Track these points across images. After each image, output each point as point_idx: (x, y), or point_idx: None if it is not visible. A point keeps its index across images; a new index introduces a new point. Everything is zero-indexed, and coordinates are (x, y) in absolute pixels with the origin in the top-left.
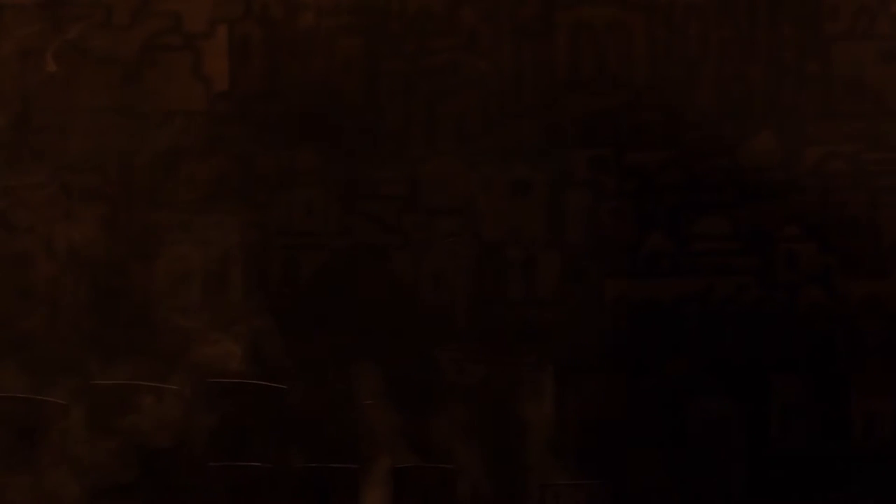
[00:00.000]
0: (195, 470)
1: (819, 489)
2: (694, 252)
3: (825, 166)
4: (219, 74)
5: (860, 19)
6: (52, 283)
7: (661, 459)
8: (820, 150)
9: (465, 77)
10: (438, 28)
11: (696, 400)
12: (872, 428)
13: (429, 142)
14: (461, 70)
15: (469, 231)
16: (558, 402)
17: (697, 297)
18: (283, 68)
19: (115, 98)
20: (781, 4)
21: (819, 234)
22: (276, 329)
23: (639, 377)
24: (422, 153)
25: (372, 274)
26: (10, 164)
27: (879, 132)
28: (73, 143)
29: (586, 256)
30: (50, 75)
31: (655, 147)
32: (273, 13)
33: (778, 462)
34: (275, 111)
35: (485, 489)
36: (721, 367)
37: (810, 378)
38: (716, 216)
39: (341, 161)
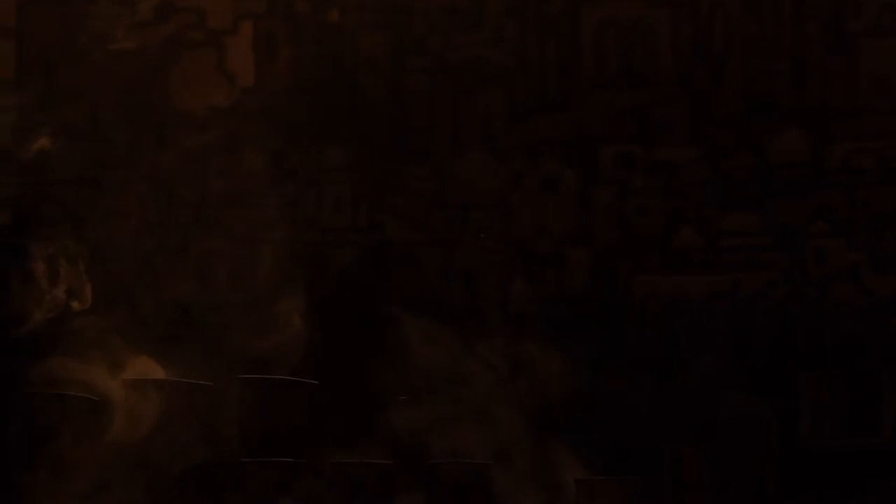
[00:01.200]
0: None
1: (849, 484)
2: (723, 248)
3: (852, 163)
4: (244, 70)
5: (884, 16)
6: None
7: (693, 455)
8: (847, 146)
9: (490, 73)
10: (464, 24)
11: (728, 396)
12: None
13: (455, 138)
14: (487, 66)
15: (499, 227)
16: (589, 398)
17: (726, 293)
18: (309, 64)
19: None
20: (806, 2)
21: (847, 230)
22: (307, 324)
23: (670, 373)
24: (449, 150)
25: (401, 270)
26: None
27: None
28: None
29: (615, 252)
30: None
31: (682, 144)
32: (298, 9)
33: (808, 457)
34: (301, 107)
35: (519, 484)
36: (751, 364)
37: (839, 374)
38: (745, 212)
39: (369, 157)
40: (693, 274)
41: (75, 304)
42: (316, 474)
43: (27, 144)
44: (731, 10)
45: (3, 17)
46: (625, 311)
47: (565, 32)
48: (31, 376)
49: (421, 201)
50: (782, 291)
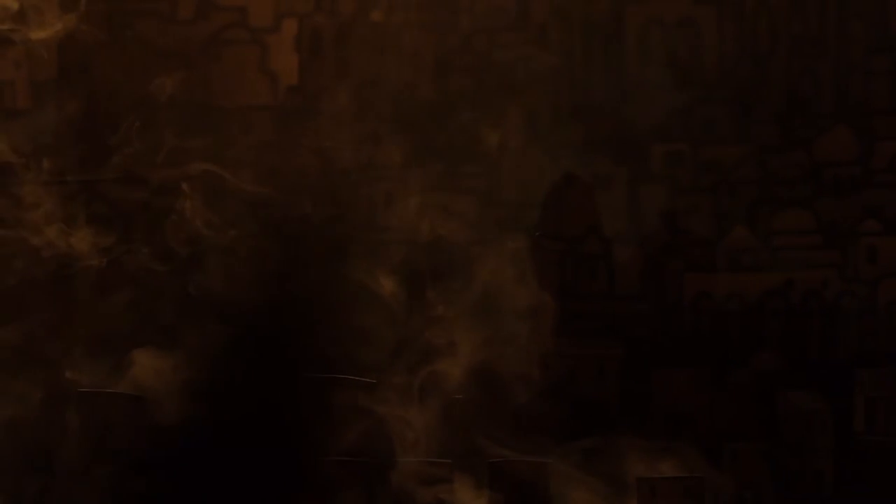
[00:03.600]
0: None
1: None
2: (775, 247)
3: None
4: (287, 69)
5: None
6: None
7: (751, 452)
8: (893, 145)
9: (535, 72)
10: (509, 23)
11: (785, 394)
12: None
13: (501, 137)
14: (532, 65)
15: (550, 225)
16: (647, 397)
17: (779, 291)
18: (353, 63)
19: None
20: (850, 1)
21: None
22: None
23: (726, 371)
24: (495, 148)
25: (453, 268)
26: None
27: None
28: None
29: (666, 251)
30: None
31: (728, 142)
32: (343, 8)
33: (863, 453)
34: (347, 106)
35: (580, 482)
36: (805, 362)
37: (893, 370)
38: (797, 211)
39: (419, 156)
40: (745, 272)
41: None
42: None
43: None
44: (776, 10)
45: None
46: (678, 310)
47: (610, 32)
48: None
49: (472, 199)
50: (835, 289)
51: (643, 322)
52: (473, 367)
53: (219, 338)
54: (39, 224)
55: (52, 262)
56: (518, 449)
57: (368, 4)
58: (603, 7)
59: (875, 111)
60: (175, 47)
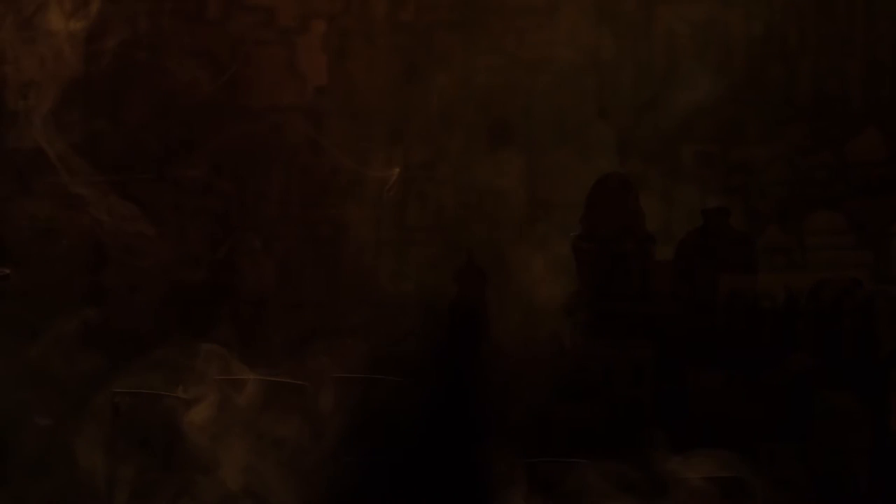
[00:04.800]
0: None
1: None
2: (807, 247)
3: None
4: (315, 69)
5: None
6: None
7: (786, 454)
8: None
9: (563, 72)
10: (537, 22)
11: (820, 394)
12: None
13: (529, 137)
14: (560, 66)
15: (585, 225)
16: (680, 396)
17: (811, 291)
18: (382, 63)
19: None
20: (878, 0)
21: None
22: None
23: (759, 372)
24: (526, 147)
25: (489, 269)
26: None
27: None
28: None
29: (699, 251)
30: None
31: (758, 143)
32: (372, 8)
33: None
34: (375, 106)
35: (613, 483)
36: (840, 362)
37: None
38: (827, 211)
39: (449, 157)
40: (778, 272)
41: None
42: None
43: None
44: (804, 10)
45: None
46: (711, 310)
47: (640, 31)
48: None
49: (505, 198)
50: (868, 289)
51: (677, 322)
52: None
53: None
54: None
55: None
56: (551, 451)
57: (398, 4)
58: (632, 7)
59: None
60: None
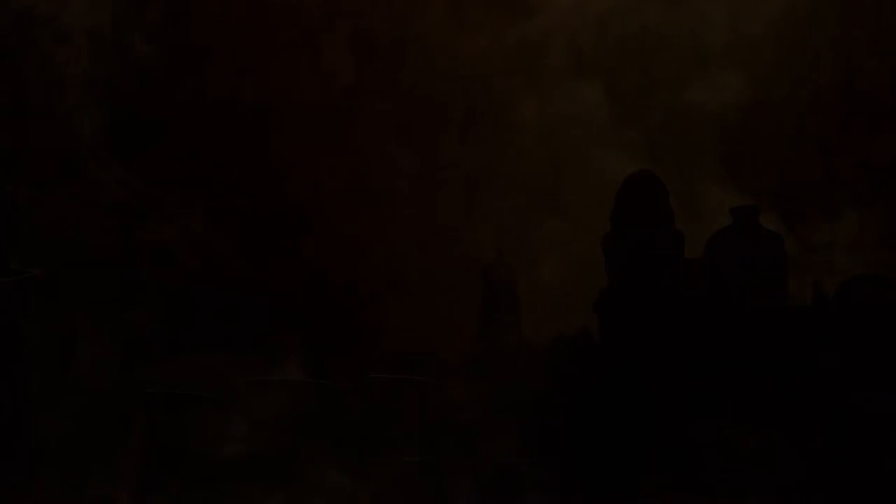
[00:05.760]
0: None
1: None
2: (838, 247)
3: None
4: (342, 69)
5: None
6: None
7: (821, 452)
8: None
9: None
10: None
11: (855, 394)
12: None
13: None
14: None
15: (615, 223)
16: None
17: (840, 292)
18: (409, 63)
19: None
20: None
21: None
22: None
23: (790, 372)
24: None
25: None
26: None
27: None
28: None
29: (728, 249)
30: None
31: (789, 144)
32: (398, 8)
33: None
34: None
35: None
36: (874, 362)
37: None
38: (858, 211)
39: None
40: (810, 272)
41: None
42: None
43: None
44: (827, 15)
45: None
46: (743, 308)
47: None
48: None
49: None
50: (894, 290)
51: (708, 318)
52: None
53: None
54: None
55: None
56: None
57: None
58: (659, 11)
59: None
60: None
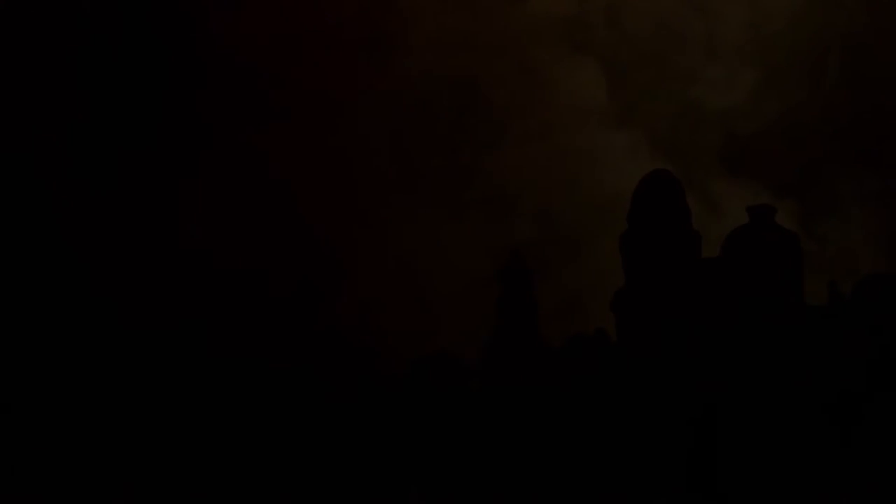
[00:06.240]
0: None
1: None
2: (860, 243)
3: None
4: None
5: None
6: None
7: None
8: None
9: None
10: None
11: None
12: None
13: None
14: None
15: (638, 220)
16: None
17: (856, 289)
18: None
19: None
20: None
21: None
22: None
23: (806, 366)
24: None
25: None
26: None
27: None
28: None
29: (745, 248)
30: None
31: (815, 145)
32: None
33: None
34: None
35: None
36: (885, 359)
37: None
38: (880, 209)
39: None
40: (822, 270)
41: None
42: None
43: None
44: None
45: None
46: (758, 307)
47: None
48: None
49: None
50: None
51: (726, 317)
52: None
53: None
54: None
55: None
56: None
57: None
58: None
59: None
60: None
